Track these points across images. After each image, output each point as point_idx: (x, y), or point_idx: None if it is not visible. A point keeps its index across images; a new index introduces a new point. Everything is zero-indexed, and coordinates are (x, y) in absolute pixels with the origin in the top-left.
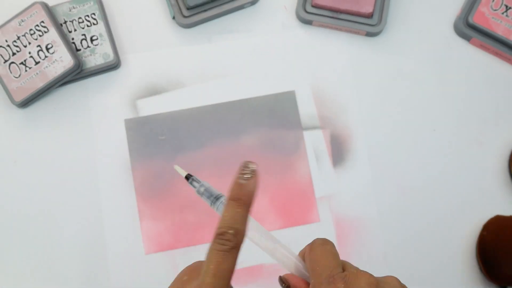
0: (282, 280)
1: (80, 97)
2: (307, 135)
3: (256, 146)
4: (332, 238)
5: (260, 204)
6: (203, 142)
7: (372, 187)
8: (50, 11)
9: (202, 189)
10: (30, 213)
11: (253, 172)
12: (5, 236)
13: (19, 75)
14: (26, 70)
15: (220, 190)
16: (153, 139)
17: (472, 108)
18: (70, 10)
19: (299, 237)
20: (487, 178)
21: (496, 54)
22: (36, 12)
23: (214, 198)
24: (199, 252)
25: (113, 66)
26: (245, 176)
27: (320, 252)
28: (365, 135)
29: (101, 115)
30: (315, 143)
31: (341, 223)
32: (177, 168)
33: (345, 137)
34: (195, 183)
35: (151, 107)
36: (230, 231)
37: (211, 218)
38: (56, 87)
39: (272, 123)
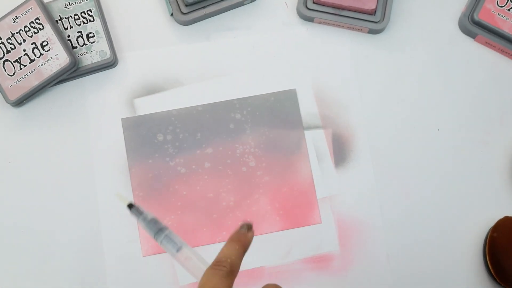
0: None
1: (76, 96)
2: (309, 134)
3: (256, 146)
4: (334, 239)
5: (260, 205)
6: (202, 142)
7: (375, 188)
8: (45, 7)
9: (148, 218)
10: (25, 214)
11: (250, 226)
12: (1, 237)
13: (14, 73)
14: (20, 68)
15: (219, 191)
16: (151, 138)
17: (477, 107)
18: (66, 7)
19: (300, 239)
20: (493, 179)
21: (502, 51)
22: (31, 8)
23: (159, 230)
24: None
25: (110, 64)
26: (244, 228)
27: None
28: (368, 135)
29: (97, 114)
30: (316, 143)
31: (343, 224)
32: (119, 195)
33: (347, 137)
34: (137, 213)
35: (148, 106)
36: (228, 260)
37: (210, 219)
38: (52, 86)
39: (273, 122)
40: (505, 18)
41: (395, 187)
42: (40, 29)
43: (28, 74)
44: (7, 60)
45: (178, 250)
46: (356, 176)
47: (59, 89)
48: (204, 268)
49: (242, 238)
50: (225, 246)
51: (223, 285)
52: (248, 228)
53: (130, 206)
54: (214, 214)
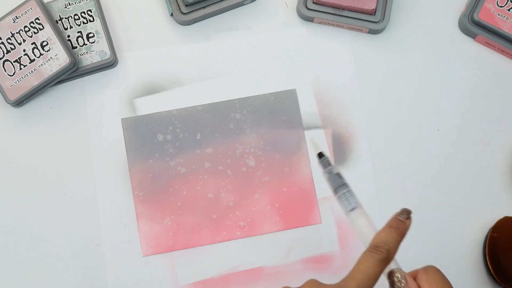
0: (399, 275)
1: (76, 96)
2: (309, 134)
3: (256, 146)
4: (334, 239)
5: (260, 205)
6: (202, 142)
7: (374, 188)
8: (45, 7)
9: (334, 172)
10: (25, 213)
11: (410, 215)
12: (0, 237)
13: (14, 73)
14: (20, 68)
15: (219, 191)
16: (151, 138)
17: (477, 107)
18: (65, 7)
19: (300, 239)
20: (493, 179)
21: (502, 52)
22: (31, 8)
23: (340, 186)
24: (198, 254)
25: (110, 64)
26: (404, 215)
27: (439, 276)
28: (368, 135)
29: (97, 114)
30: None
31: (343, 224)
32: (313, 142)
33: (347, 137)
34: (325, 163)
35: (148, 106)
36: (385, 246)
37: (210, 219)
38: (52, 86)
39: (273, 123)
40: (505, 18)
41: (395, 187)
42: (40, 29)
43: (28, 74)
44: (7, 60)
45: (351, 210)
46: (356, 176)
47: (59, 89)
48: (371, 234)
49: (401, 226)
50: (383, 231)
51: (378, 268)
52: (407, 216)
53: (320, 155)
54: (214, 214)
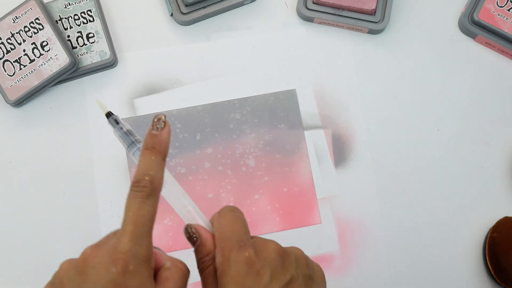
0: (190, 229)
1: (76, 96)
2: (308, 134)
3: (256, 146)
4: (334, 239)
5: (260, 205)
6: (202, 142)
7: (374, 188)
8: (45, 7)
9: (123, 131)
10: (25, 214)
11: (165, 123)
12: (0, 238)
13: (14, 73)
14: (20, 68)
15: (219, 191)
16: None
17: (477, 108)
18: (65, 7)
19: (300, 239)
20: (493, 179)
21: (501, 52)
22: (31, 8)
23: (132, 143)
24: None
25: (110, 64)
26: (157, 126)
27: (229, 217)
28: (368, 135)
29: (97, 114)
30: (316, 143)
31: (343, 224)
32: (99, 102)
33: (347, 137)
34: (114, 123)
35: (148, 106)
36: (146, 178)
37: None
38: (52, 86)
39: (273, 123)
40: (505, 18)
41: (395, 187)
42: (40, 29)
43: (28, 74)
44: (7, 60)
45: None
46: (356, 176)
47: (59, 89)
48: (168, 186)
49: (157, 142)
50: (140, 159)
51: (148, 207)
52: (162, 124)
53: (108, 115)
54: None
